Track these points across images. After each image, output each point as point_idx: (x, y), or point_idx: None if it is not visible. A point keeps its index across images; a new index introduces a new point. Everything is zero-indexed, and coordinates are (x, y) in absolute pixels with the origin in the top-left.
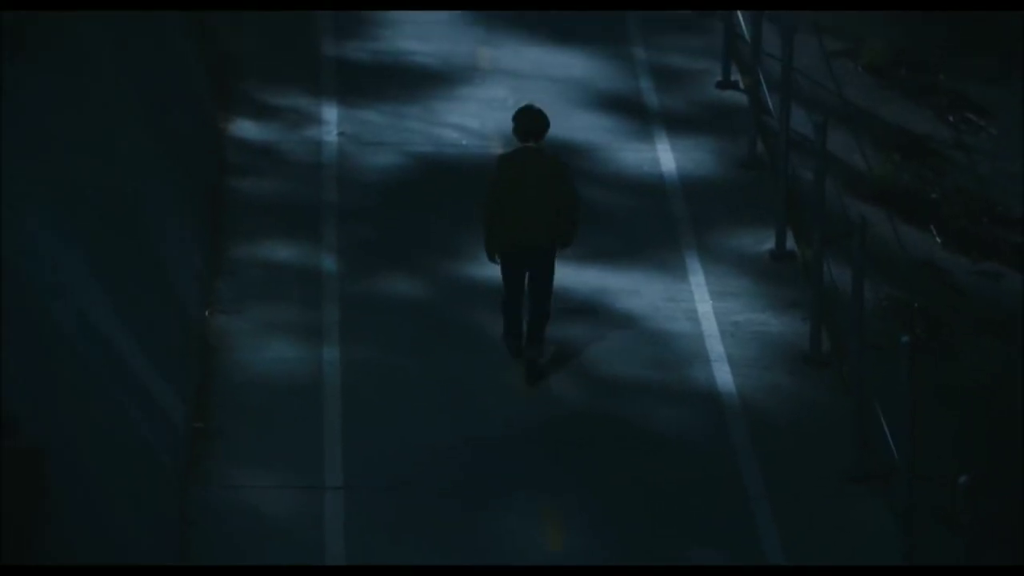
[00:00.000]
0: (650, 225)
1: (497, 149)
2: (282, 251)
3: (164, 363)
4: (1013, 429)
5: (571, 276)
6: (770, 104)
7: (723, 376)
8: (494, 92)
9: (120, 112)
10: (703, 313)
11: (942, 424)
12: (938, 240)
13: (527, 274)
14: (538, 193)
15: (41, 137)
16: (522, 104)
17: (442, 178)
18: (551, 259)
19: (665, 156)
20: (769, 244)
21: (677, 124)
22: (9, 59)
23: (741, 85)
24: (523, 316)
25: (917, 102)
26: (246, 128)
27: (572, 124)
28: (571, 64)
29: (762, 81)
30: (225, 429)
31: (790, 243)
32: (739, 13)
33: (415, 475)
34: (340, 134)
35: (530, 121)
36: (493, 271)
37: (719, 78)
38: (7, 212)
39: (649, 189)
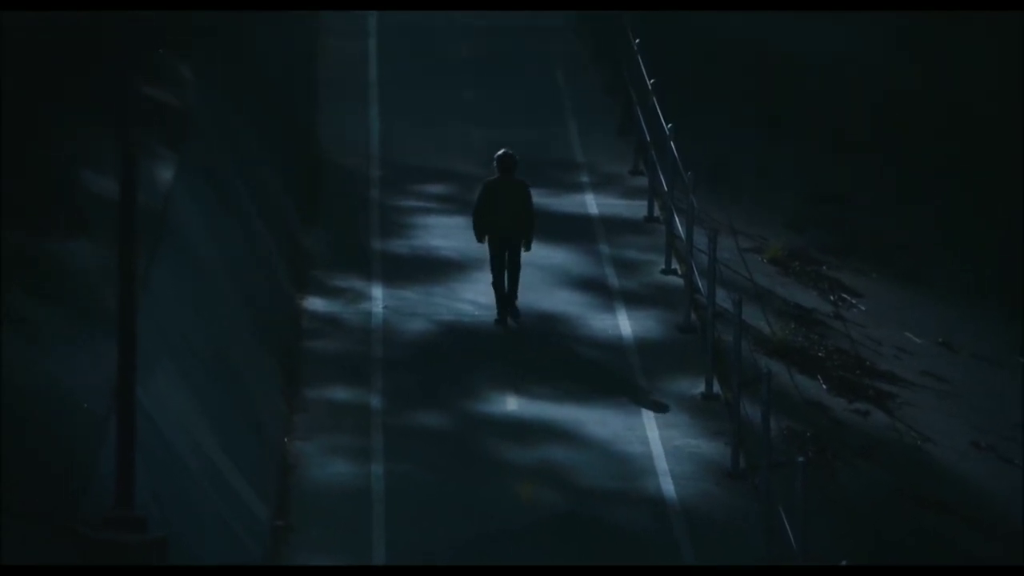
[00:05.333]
0: (612, 374)
1: None
2: (342, 393)
3: (253, 477)
4: (876, 527)
5: (553, 410)
6: (700, 285)
7: (667, 486)
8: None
9: (223, 294)
10: (652, 439)
11: (828, 522)
12: (823, 386)
13: (505, 257)
14: (509, 204)
15: (164, 315)
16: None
17: (461, 339)
18: (519, 248)
19: (623, 323)
20: (700, 388)
21: (632, 300)
22: (147, 263)
23: (679, 272)
24: (504, 288)
25: (806, 285)
26: (315, 303)
27: (554, 299)
28: (553, 256)
29: (694, 269)
30: (298, 526)
31: (716, 387)
32: (677, 220)
33: (440, 559)
34: (385, 307)
35: (503, 161)
36: (502, 408)
37: (663, 266)
38: (142, 369)
39: (611, 347)
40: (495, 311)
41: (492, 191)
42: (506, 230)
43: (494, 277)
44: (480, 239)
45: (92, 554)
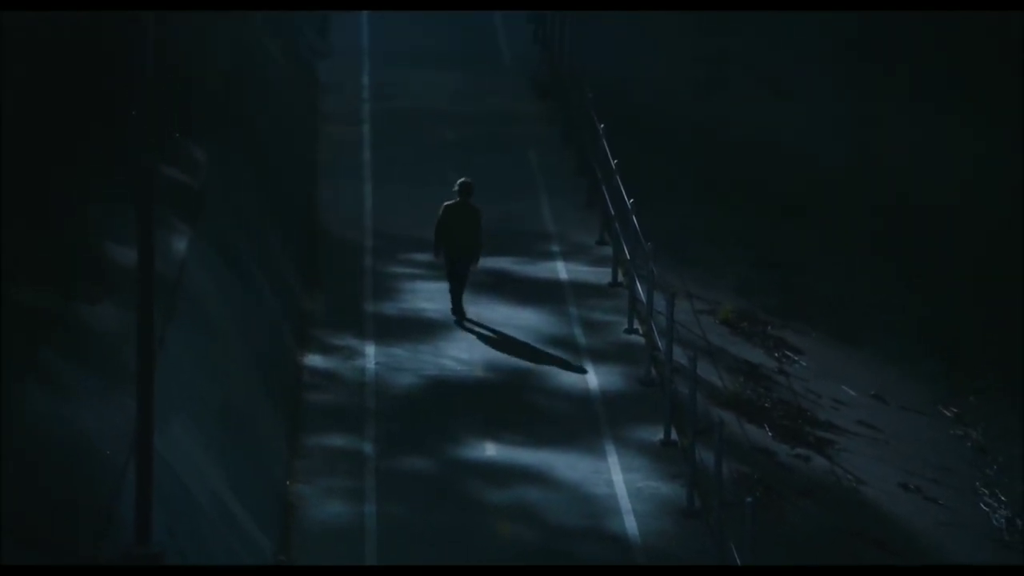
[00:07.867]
0: (581, 423)
1: (480, 373)
2: (338, 440)
3: (259, 515)
4: (818, 560)
5: (527, 456)
6: (659, 343)
7: (630, 523)
8: (477, 335)
9: (232, 351)
10: (616, 482)
11: (774, 557)
12: (769, 434)
13: (456, 268)
14: (464, 225)
15: (179, 370)
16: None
17: (445, 391)
18: (468, 263)
19: (590, 378)
20: (660, 436)
21: (598, 356)
22: (164, 324)
23: (640, 331)
24: (459, 292)
25: (754, 344)
26: (315, 359)
27: (528, 356)
28: (528, 317)
29: (654, 328)
30: (299, 560)
31: (673, 435)
32: (638, 285)
33: None
34: (377, 363)
35: (462, 188)
36: (482, 454)
37: (626, 326)
38: (159, 419)
39: (580, 399)
40: (454, 315)
41: (449, 212)
42: (458, 246)
43: (450, 284)
44: (437, 254)
45: None
